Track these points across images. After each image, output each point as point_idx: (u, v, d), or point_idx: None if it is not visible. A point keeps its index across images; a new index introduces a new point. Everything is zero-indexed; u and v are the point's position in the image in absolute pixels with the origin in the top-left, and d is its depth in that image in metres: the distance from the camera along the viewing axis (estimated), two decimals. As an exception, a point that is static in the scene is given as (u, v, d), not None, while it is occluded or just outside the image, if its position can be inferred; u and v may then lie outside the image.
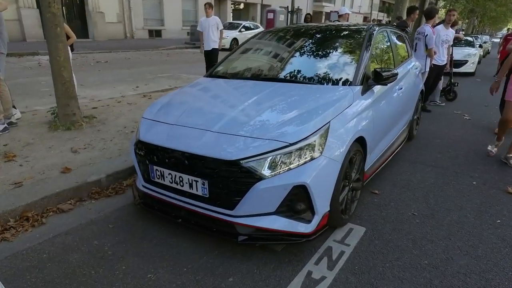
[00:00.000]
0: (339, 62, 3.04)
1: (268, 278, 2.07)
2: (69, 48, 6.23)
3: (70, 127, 4.36)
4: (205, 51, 7.54)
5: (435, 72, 6.21)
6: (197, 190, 2.22)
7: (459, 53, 10.58)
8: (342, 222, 2.54)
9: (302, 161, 2.09)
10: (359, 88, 2.68)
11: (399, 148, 3.92)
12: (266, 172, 2.06)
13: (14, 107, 4.88)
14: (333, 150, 2.20)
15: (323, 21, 34.70)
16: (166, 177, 2.34)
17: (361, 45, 3.05)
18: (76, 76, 8.62)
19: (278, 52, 3.46)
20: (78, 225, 2.63)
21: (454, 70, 8.14)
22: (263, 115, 2.35)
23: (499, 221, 2.74)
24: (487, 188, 3.31)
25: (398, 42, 4.07)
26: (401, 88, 3.52)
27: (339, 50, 3.19)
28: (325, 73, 2.93)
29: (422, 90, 4.71)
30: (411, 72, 4.12)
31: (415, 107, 4.39)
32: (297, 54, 3.29)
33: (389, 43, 3.63)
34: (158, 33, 20.96)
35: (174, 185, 2.33)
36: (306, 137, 2.12)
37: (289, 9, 19.94)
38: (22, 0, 14.68)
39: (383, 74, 2.73)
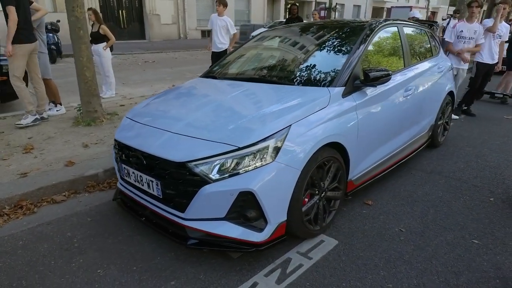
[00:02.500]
0: (326, 62, 2.83)
1: (211, 285, 2.00)
2: (109, 49, 6.76)
3: (91, 123, 4.66)
4: (212, 52, 6.77)
5: (480, 72, 5.53)
6: (153, 190, 2.22)
7: None
8: (311, 233, 2.37)
9: (251, 167, 1.98)
10: (339, 89, 2.47)
11: (410, 156, 3.56)
12: (213, 176, 1.99)
13: (60, 103, 5.37)
14: (290, 156, 2.05)
15: (384, 18, 33.01)
16: (131, 175, 2.38)
17: (353, 43, 2.80)
18: (121, 75, 9.40)
19: (269, 51, 3.34)
20: (62, 216, 2.79)
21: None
22: (224, 116, 2.27)
23: (502, 246, 2.34)
24: (505, 207, 2.86)
25: (415, 39, 3.69)
26: (409, 90, 3.18)
27: (330, 49, 2.97)
28: (308, 73, 2.76)
29: (451, 91, 4.22)
30: (431, 72, 3.70)
31: (438, 111, 3.95)
32: (286, 53, 3.15)
33: (399, 40, 3.29)
34: (210, 33, 21.56)
35: (137, 184, 2.36)
36: (257, 141, 2.00)
37: (326, 6, 19.32)
38: (87, 5, 16.02)
39: (370, 74, 2.49)
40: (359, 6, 33.55)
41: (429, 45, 3.93)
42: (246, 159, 1.99)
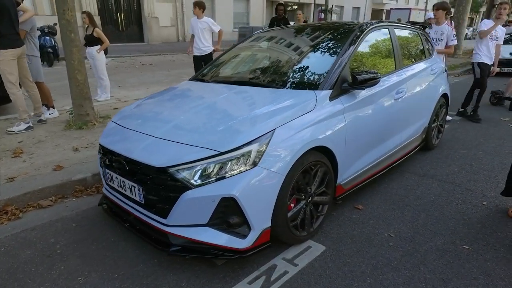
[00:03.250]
0: (314, 65, 2.79)
1: (192, 293, 1.95)
2: (103, 51, 6.74)
3: (82, 127, 4.62)
4: (194, 56, 6.39)
5: (484, 72, 5.47)
6: (135, 196, 2.18)
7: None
8: (297, 239, 2.32)
9: (233, 172, 1.94)
10: (326, 92, 2.42)
11: (403, 159, 3.51)
12: (195, 181, 1.94)
13: (53, 107, 5.35)
14: (274, 160, 2.01)
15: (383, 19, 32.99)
16: (114, 180, 2.34)
17: (342, 46, 2.76)
18: (118, 78, 9.38)
19: (257, 55, 3.31)
20: (47, 222, 2.74)
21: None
22: (207, 121, 2.23)
23: (493, 251, 2.29)
24: (498, 211, 2.81)
25: (407, 41, 3.65)
26: (400, 92, 3.13)
27: (317, 51, 2.93)
28: (294, 76, 2.72)
29: (446, 94, 4.17)
30: (423, 74, 3.66)
31: (432, 113, 3.90)
32: (273, 56, 3.11)
33: (390, 42, 3.25)
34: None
35: (120, 189, 2.32)
36: (240, 146, 1.96)
37: (320, 8, 19.35)
38: (85, 8, 16.04)
39: (358, 77, 2.45)
40: (358, 8, 33.56)
41: (421, 47, 3.88)
42: (229, 164, 1.95)
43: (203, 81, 3.18)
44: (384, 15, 34.92)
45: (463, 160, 3.91)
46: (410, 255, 2.26)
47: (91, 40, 6.56)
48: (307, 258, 2.23)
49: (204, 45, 6.24)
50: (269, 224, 2.08)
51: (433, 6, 5.49)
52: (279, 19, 7.84)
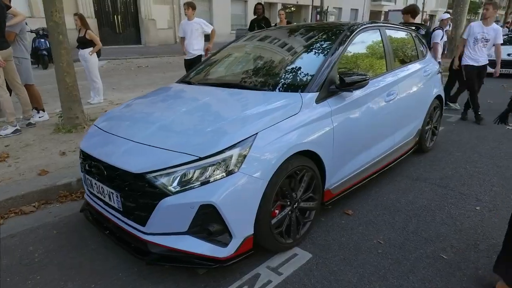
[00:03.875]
0: (300, 66, 2.72)
1: (171, 305, 1.88)
2: (95, 54, 6.68)
3: (71, 130, 4.55)
4: (185, 60, 6.19)
5: (467, 74, 5.42)
6: (114, 203, 2.11)
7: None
8: (282, 246, 2.24)
9: (213, 178, 1.87)
10: (312, 95, 2.35)
11: (396, 162, 3.44)
12: (173, 188, 1.87)
13: (43, 110, 5.28)
14: (256, 166, 1.94)
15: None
16: (94, 186, 2.27)
17: (330, 47, 2.70)
18: (113, 80, 9.31)
19: (243, 57, 3.24)
20: (28, 228, 2.67)
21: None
22: (188, 125, 2.16)
23: (485, 259, 2.22)
24: (491, 216, 2.74)
25: (399, 42, 3.59)
26: (391, 95, 3.06)
27: (305, 53, 2.86)
28: (280, 78, 2.66)
29: (440, 96, 4.10)
30: (416, 75, 3.59)
31: (426, 116, 3.83)
32: (259, 58, 3.05)
33: (381, 43, 3.19)
34: (207, 37, 21.54)
35: (99, 196, 2.25)
36: (220, 151, 1.89)
37: (318, 9, 19.33)
38: (82, 11, 16.00)
39: (346, 79, 2.38)
40: (356, 10, 33.54)
41: (414, 48, 3.82)
42: (209, 169, 1.88)
43: (189, 83, 3.11)
44: (382, 17, 34.91)
45: (457, 163, 3.84)
46: (399, 263, 2.18)
47: (84, 42, 6.51)
48: (292, 267, 2.15)
49: (194, 49, 6.03)
50: (251, 231, 2.01)
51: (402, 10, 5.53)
52: (259, 20, 7.49)
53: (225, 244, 1.94)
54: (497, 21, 17.87)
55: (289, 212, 2.24)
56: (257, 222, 2.01)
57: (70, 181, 3.25)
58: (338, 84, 2.44)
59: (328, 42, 2.80)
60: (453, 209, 2.86)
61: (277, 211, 2.17)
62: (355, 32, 2.86)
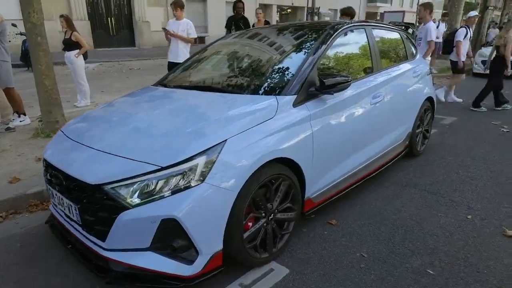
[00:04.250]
0: (278, 68, 2.57)
1: (130, 328, 1.72)
2: (82, 56, 6.53)
3: (50, 135, 4.38)
4: (169, 62, 5.61)
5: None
6: (73, 216, 1.95)
7: None
8: (257, 261, 2.09)
9: (177, 189, 1.71)
10: (289, 98, 2.20)
11: (385, 167, 3.29)
12: (132, 200, 1.71)
13: (24, 114, 5.12)
14: (224, 176, 1.79)
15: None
16: (55, 197, 2.11)
17: (310, 47, 2.55)
18: (104, 83, 9.16)
19: (220, 58, 3.09)
20: (-9, 241, 2.50)
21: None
22: (154, 131, 2.00)
23: (476, 274, 2.06)
24: (483, 226, 2.59)
25: (387, 42, 3.45)
26: (378, 97, 2.92)
27: (283, 53, 2.72)
28: (256, 80, 2.51)
29: (431, 97, 3.96)
30: (405, 76, 3.45)
31: (416, 118, 3.69)
32: (236, 59, 2.90)
33: (367, 43, 3.04)
34: (201, 40, 21.38)
35: (60, 207, 2.09)
36: (185, 160, 1.74)
37: (309, 10, 19.25)
38: (75, 13, 15.86)
39: (326, 81, 2.23)
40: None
41: (403, 48, 3.67)
42: (172, 180, 1.72)
43: (164, 86, 2.95)
44: (378, 18, 34.90)
45: (449, 167, 3.70)
46: (383, 279, 2.03)
47: (70, 44, 6.35)
48: (267, 284, 1.99)
49: (183, 51, 5.54)
50: (220, 246, 1.85)
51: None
52: (238, 19, 6.99)
53: (191, 261, 1.79)
54: (493, 22, 17.71)
55: (264, 224, 2.09)
56: (227, 236, 1.85)
57: (42, 189, 3.08)
58: (318, 86, 2.29)
59: (309, 42, 2.66)
60: (442, 218, 2.71)
61: (250, 224, 2.02)
62: (338, 32, 2.71)
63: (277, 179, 2.08)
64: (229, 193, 1.80)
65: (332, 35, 2.65)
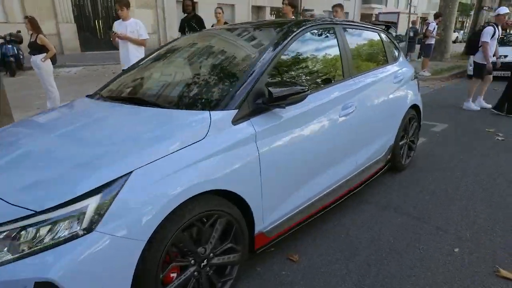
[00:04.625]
0: (219, 76, 2.14)
1: None
2: (49, 60, 6.11)
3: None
4: (123, 70, 5.01)
5: None
6: None
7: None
8: (186, 318, 1.66)
9: (56, 242, 1.28)
10: (227, 113, 1.77)
11: (364, 185, 2.87)
12: (1, 255, 1.28)
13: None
14: (126, 220, 1.36)
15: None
16: None
17: (260, 51, 2.12)
18: (81, 88, 8.70)
19: (159, 65, 2.66)
20: None
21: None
22: (41, 162, 1.56)
23: (460, 334, 1.64)
24: (472, 263, 2.16)
25: (362, 44, 3.03)
26: (349, 107, 2.50)
27: (226, 59, 2.29)
28: (190, 91, 2.08)
29: (416, 105, 3.54)
30: (384, 82, 3.03)
31: (399, 129, 3.27)
32: (177, 66, 2.47)
33: (337, 45, 2.62)
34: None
35: None
36: (68, 201, 1.31)
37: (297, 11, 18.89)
38: (60, 16, 15.44)
39: (273, 91, 1.81)
40: (347, 13, 33.18)
41: (383, 50, 3.25)
42: (52, 229, 1.29)
43: (101, 96, 2.50)
44: (373, 19, 34.60)
45: (436, 184, 3.27)
46: None
47: (35, 48, 5.93)
48: None
49: (135, 55, 4.89)
50: (123, 312, 1.42)
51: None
52: (189, 18, 6.55)
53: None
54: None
55: (195, 274, 1.66)
56: (136, 296, 1.42)
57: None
58: (266, 98, 1.86)
59: (260, 45, 2.23)
60: (425, 250, 2.28)
61: (174, 275, 1.59)
62: (298, 32, 2.29)
63: (210, 216, 1.65)
64: (132, 243, 1.37)
65: (291, 36, 2.22)
